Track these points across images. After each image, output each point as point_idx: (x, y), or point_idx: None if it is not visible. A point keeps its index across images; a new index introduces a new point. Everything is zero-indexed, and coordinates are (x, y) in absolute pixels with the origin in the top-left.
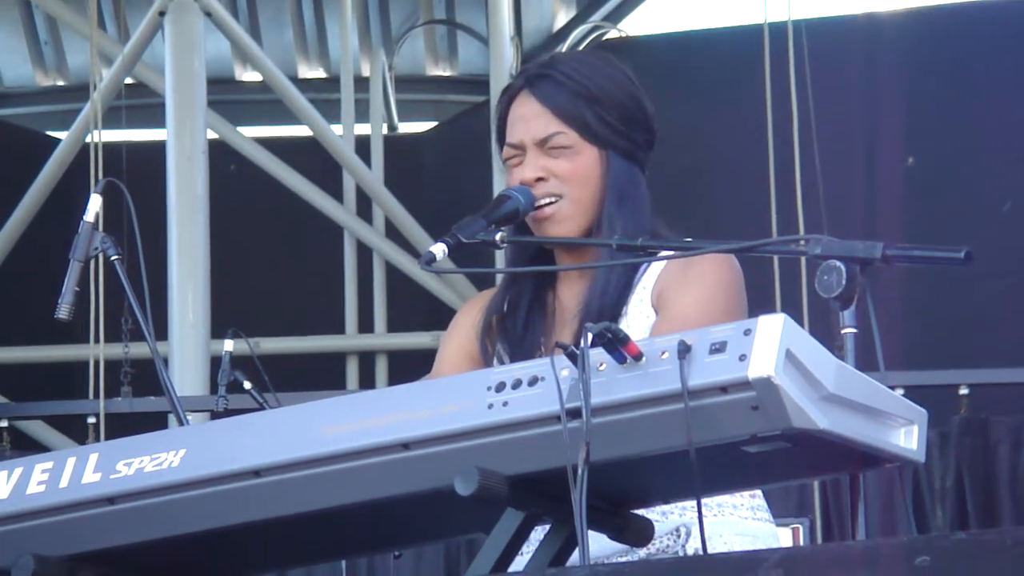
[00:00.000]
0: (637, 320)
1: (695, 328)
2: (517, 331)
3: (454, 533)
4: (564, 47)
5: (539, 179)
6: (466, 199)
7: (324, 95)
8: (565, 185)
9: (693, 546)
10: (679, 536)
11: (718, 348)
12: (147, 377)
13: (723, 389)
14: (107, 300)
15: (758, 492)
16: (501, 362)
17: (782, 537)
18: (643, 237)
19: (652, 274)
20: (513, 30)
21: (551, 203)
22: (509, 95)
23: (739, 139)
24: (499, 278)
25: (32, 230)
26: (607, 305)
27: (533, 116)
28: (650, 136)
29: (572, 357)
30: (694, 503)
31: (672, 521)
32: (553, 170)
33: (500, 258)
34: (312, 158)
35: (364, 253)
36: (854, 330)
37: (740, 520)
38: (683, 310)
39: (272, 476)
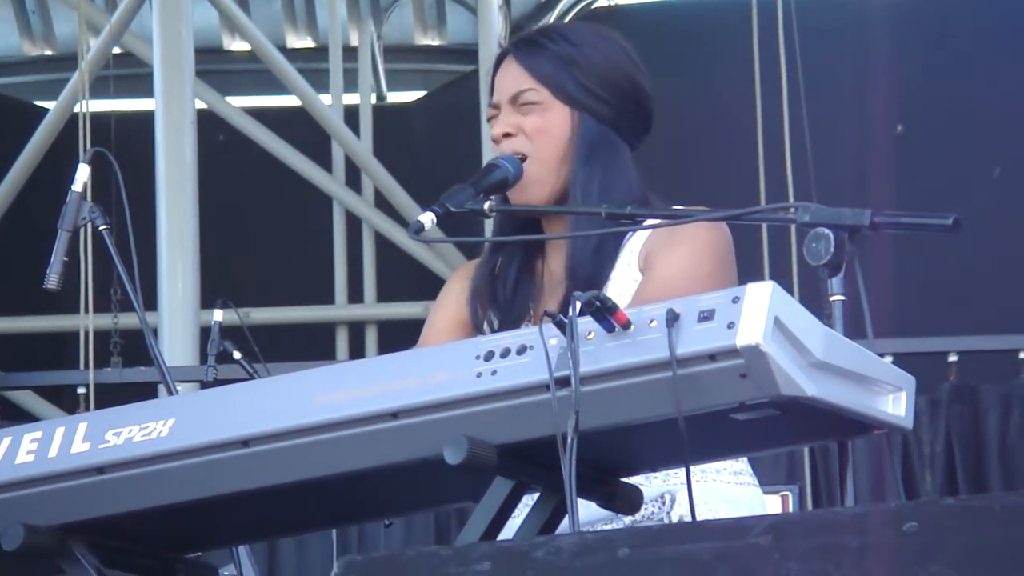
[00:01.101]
0: (624, 284)
1: (678, 290)
2: (506, 297)
3: (444, 502)
4: (552, 16)
5: (506, 135)
6: (455, 168)
7: (312, 65)
8: (531, 143)
9: (678, 513)
10: (664, 503)
11: (706, 316)
12: (137, 347)
13: (711, 357)
14: (96, 270)
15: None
16: (492, 328)
17: (770, 504)
18: (631, 205)
19: (639, 238)
20: None
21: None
22: (497, 61)
23: (728, 108)
24: (486, 246)
25: (20, 200)
26: (593, 271)
27: (511, 77)
28: (638, 108)
29: (560, 326)
30: (678, 469)
31: (656, 487)
32: (520, 125)
33: (489, 227)
34: (301, 128)
35: (353, 223)
36: (842, 297)
37: (723, 485)
38: (667, 272)
39: (261, 445)
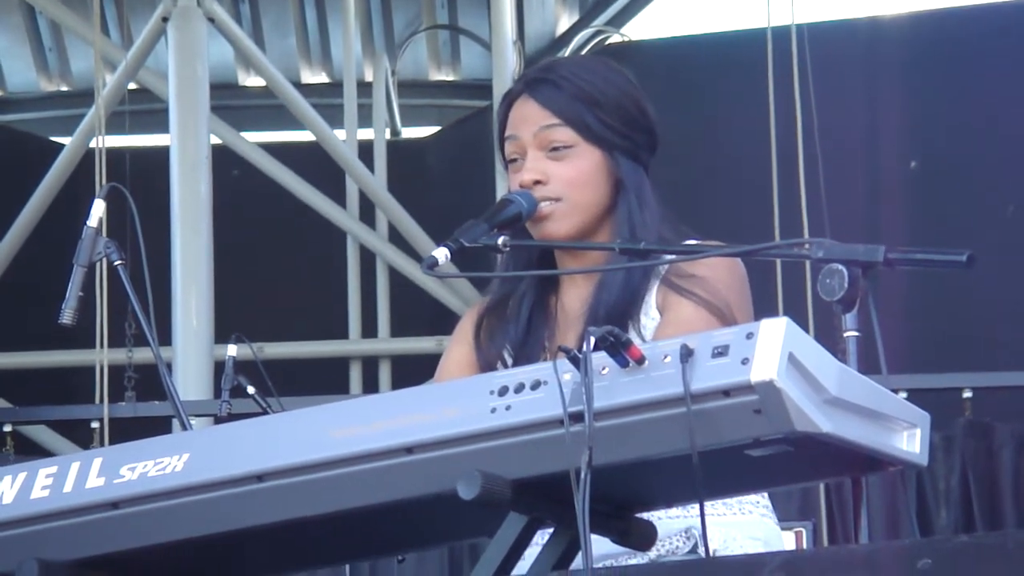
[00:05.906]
0: (643, 322)
1: (697, 331)
2: (519, 334)
3: (457, 537)
4: (567, 52)
5: (537, 182)
6: (469, 203)
7: (327, 100)
8: (564, 189)
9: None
10: (689, 538)
11: (720, 352)
12: (151, 382)
13: (725, 393)
14: (111, 305)
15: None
16: (505, 364)
17: (785, 540)
18: (645, 241)
19: (658, 278)
20: (516, 35)
21: (549, 204)
22: (509, 99)
23: (742, 143)
24: (495, 282)
25: (36, 235)
26: (613, 310)
27: (532, 115)
28: (651, 139)
29: (575, 361)
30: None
31: (682, 522)
32: (552, 173)
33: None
34: (315, 163)
35: (367, 258)
36: (856, 333)
37: (750, 521)
38: (685, 314)
39: (275, 480)
